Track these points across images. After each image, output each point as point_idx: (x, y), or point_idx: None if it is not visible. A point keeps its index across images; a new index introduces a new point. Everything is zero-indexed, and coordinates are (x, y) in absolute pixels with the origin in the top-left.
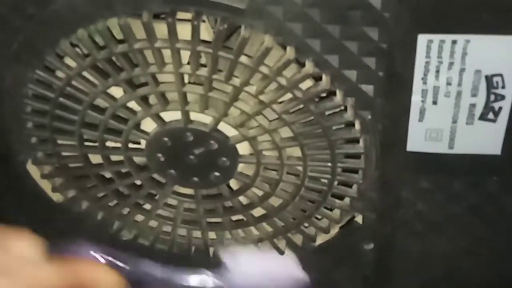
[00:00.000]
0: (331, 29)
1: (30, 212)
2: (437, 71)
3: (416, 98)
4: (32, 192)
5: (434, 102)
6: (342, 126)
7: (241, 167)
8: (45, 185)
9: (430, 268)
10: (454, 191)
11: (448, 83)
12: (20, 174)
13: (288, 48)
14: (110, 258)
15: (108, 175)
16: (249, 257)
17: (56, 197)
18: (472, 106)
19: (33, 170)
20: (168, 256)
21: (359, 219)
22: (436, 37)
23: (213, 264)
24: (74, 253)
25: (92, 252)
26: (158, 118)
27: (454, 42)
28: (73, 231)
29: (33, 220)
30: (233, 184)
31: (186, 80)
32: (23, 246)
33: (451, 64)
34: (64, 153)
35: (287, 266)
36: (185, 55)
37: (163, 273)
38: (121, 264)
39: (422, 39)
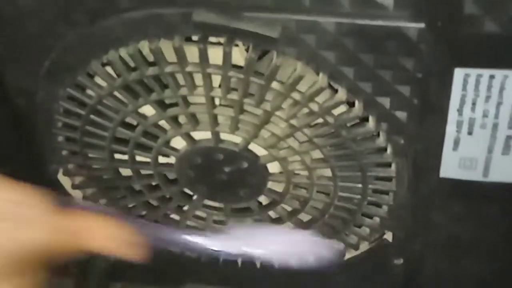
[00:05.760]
0: (365, 57)
1: None
2: (474, 104)
3: (451, 128)
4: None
5: (470, 133)
6: (374, 150)
7: (271, 183)
8: (76, 194)
9: None
10: (486, 216)
11: (485, 116)
12: (52, 182)
13: (320, 74)
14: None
15: (137, 187)
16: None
17: None
18: (509, 137)
19: (64, 180)
20: None
21: (388, 236)
22: (474, 72)
23: None
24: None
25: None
26: (188, 137)
27: (492, 76)
28: None
29: None
30: (262, 198)
31: (216, 102)
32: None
33: (488, 97)
34: (94, 166)
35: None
36: (216, 78)
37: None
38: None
39: (459, 73)
